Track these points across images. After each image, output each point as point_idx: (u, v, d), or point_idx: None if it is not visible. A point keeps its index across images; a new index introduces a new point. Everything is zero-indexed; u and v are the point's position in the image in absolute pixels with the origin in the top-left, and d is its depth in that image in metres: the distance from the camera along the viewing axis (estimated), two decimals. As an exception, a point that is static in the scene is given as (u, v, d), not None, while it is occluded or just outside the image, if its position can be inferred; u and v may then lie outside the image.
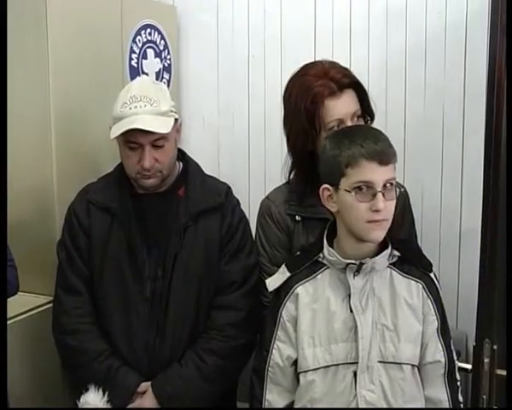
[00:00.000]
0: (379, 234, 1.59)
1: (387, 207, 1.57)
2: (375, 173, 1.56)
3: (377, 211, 1.55)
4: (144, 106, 1.87)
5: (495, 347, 1.43)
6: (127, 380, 1.88)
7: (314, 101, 1.80)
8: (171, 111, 1.94)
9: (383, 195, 1.55)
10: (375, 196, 1.55)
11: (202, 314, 1.93)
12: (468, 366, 1.67)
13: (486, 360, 1.43)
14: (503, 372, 1.41)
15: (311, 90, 1.81)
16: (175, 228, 1.92)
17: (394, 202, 1.60)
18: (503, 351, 1.40)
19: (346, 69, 1.88)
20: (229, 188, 2.04)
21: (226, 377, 1.94)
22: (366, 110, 1.88)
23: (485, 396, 1.44)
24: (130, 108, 1.87)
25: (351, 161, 1.57)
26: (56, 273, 2.04)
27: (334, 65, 1.87)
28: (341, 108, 1.81)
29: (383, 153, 1.56)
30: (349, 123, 1.81)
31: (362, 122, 1.86)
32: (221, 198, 1.98)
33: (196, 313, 1.93)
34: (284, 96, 1.91)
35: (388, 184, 1.57)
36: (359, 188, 1.57)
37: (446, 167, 2.47)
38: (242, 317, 1.92)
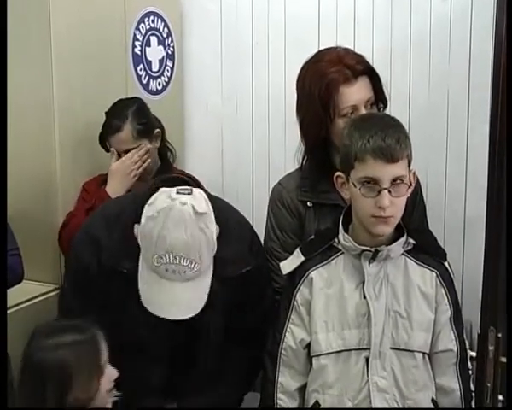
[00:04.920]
0: (384, 229, 1.59)
1: (395, 203, 1.56)
2: (381, 170, 1.54)
3: (382, 207, 1.55)
4: (184, 272, 1.57)
5: (500, 335, 1.43)
6: None
7: (329, 87, 1.79)
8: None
9: (390, 192, 1.54)
10: (380, 192, 1.55)
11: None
12: (473, 354, 1.67)
13: (491, 348, 1.43)
14: (508, 360, 1.41)
15: (326, 76, 1.80)
16: None
17: (403, 198, 1.59)
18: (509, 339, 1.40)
19: (360, 56, 1.87)
20: (253, 234, 1.88)
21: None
22: (379, 97, 1.88)
23: (489, 384, 1.43)
24: (167, 270, 1.57)
25: (358, 155, 1.56)
26: (63, 304, 1.90)
27: (348, 51, 1.87)
28: (356, 94, 1.81)
29: (390, 150, 1.54)
30: (363, 110, 1.81)
31: (375, 109, 1.86)
32: (251, 260, 1.79)
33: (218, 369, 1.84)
34: (297, 83, 1.90)
35: (398, 181, 1.56)
36: (365, 183, 1.56)
37: (451, 153, 2.46)
38: (246, 371, 1.87)
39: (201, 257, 1.58)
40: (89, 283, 1.75)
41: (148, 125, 2.35)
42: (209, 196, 1.74)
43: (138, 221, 1.63)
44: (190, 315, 1.61)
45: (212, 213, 1.64)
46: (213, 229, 1.62)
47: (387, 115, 1.73)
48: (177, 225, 1.54)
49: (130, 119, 2.29)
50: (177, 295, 1.60)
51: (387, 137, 1.55)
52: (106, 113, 2.33)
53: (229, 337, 1.83)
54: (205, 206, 1.61)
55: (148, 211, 1.59)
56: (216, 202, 1.76)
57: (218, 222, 1.68)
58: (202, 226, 1.58)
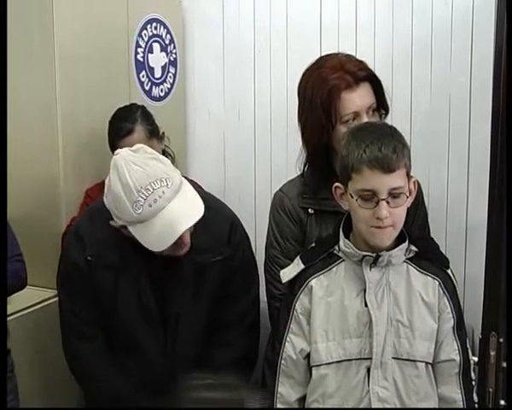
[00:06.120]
0: (383, 240, 1.57)
1: (393, 213, 1.54)
2: (379, 182, 1.53)
3: (380, 218, 1.53)
4: (163, 193, 1.63)
5: (501, 340, 1.43)
6: None
7: (330, 93, 1.79)
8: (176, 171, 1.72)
9: (388, 202, 1.53)
10: (378, 203, 1.53)
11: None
12: (475, 359, 1.66)
13: (493, 353, 1.43)
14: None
15: (328, 82, 1.80)
16: (180, 282, 1.82)
17: (402, 207, 1.56)
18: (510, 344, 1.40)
19: (361, 62, 1.87)
20: (233, 225, 1.91)
21: None
22: (381, 103, 1.88)
23: (491, 389, 1.43)
24: (151, 205, 1.61)
25: (354, 166, 1.55)
26: (60, 308, 1.90)
27: (349, 58, 1.87)
28: (358, 100, 1.80)
29: (386, 160, 1.52)
30: (364, 116, 1.80)
31: (377, 116, 1.85)
32: (226, 249, 1.86)
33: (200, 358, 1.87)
34: (299, 89, 1.90)
35: (396, 191, 1.54)
36: (362, 195, 1.55)
37: (453, 159, 2.46)
38: (241, 355, 1.87)
39: (169, 176, 1.64)
40: (76, 279, 1.81)
41: (155, 126, 2.37)
42: (200, 190, 1.79)
43: None
44: (197, 218, 1.66)
45: (171, 164, 1.71)
46: (169, 163, 1.69)
47: (386, 124, 1.71)
48: (131, 167, 1.62)
49: (140, 120, 2.31)
50: (175, 211, 1.63)
51: (384, 146, 1.53)
52: (110, 121, 2.33)
53: (214, 324, 1.88)
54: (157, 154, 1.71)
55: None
56: (202, 192, 1.81)
57: None
58: (155, 157, 1.67)
